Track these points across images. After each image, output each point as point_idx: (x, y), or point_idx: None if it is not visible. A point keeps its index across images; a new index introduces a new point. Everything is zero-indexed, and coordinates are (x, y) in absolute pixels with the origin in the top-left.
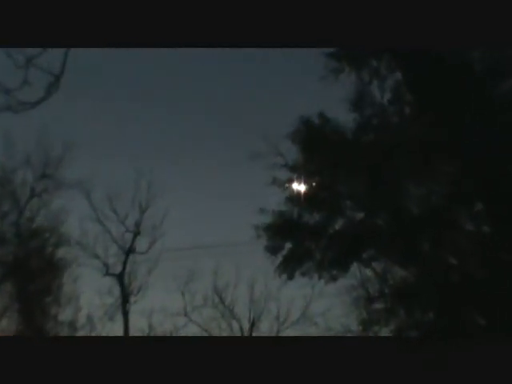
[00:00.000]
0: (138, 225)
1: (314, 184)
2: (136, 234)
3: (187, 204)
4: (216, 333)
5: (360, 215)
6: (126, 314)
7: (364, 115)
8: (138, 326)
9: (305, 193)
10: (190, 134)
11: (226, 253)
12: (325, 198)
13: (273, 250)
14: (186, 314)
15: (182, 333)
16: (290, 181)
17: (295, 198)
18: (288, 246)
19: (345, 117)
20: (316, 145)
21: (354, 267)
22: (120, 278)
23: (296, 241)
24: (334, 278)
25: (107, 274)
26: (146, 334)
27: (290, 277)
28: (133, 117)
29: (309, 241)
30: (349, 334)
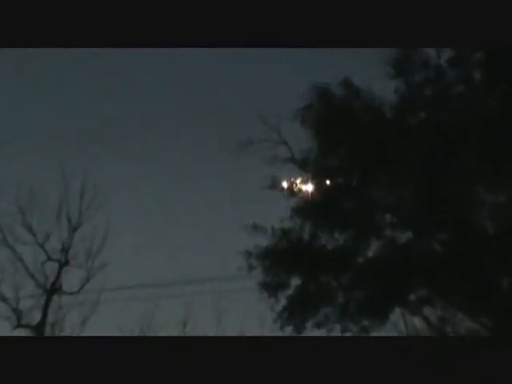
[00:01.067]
0: (65, 250)
1: (334, 187)
2: (63, 264)
3: (141, 219)
4: None
5: (405, 235)
6: None
7: (411, 83)
8: None
9: (321, 201)
10: (147, 117)
11: (200, 293)
12: (351, 209)
13: (272, 288)
14: None
15: None
16: (299, 182)
17: (306, 208)
18: (295, 281)
19: (382, 86)
20: (338, 128)
21: (396, 314)
22: (38, 330)
23: (307, 274)
24: (364, 331)
25: (19, 324)
26: None
27: (298, 329)
28: (62, 100)
29: (327, 274)
30: None
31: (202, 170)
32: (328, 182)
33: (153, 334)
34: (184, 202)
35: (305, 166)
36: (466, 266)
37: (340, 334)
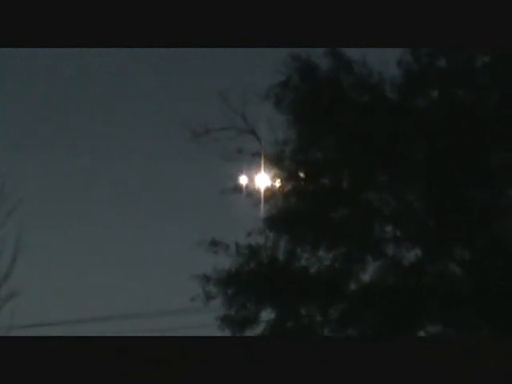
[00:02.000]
0: None
1: (318, 190)
2: None
3: (65, 231)
4: None
5: (412, 253)
6: None
7: (419, 52)
8: None
9: (301, 208)
10: (76, 105)
11: (138, 331)
12: (341, 219)
13: (237, 323)
14: None
15: None
16: (272, 184)
17: (281, 217)
18: (267, 315)
19: (381, 55)
20: (323, 112)
21: None
22: None
23: (283, 305)
24: None
25: None
26: None
27: None
28: None
29: (309, 305)
30: None
31: (145, 167)
32: (310, 183)
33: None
34: (121, 209)
35: (280, 163)
36: (493, 292)
37: None
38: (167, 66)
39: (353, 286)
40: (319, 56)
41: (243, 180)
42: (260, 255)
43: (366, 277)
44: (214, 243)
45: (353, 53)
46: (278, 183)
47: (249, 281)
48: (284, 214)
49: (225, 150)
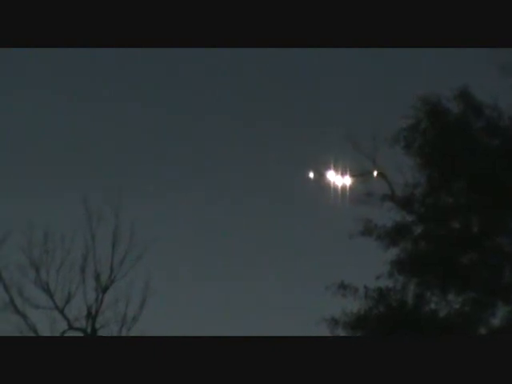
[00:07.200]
0: (92, 316)
1: (448, 234)
2: (88, 334)
3: (190, 274)
4: None
5: None
6: None
7: None
8: None
9: (430, 252)
10: (190, 136)
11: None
12: (470, 264)
13: None
14: None
15: None
16: (401, 227)
17: (410, 261)
18: None
19: None
20: (453, 155)
21: None
22: None
23: None
24: None
25: None
26: None
27: None
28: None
29: None
30: None
31: (271, 211)
32: (440, 226)
33: None
34: (247, 252)
35: (409, 206)
36: None
37: None
38: (298, 109)
39: (482, 331)
40: (449, 99)
41: (373, 223)
42: (389, 298)
43: (496, 321)
44: (343, 286)
45: (483, 95)
46: (407, 226)
47: (377, 324)
48: (413, 257)
49: (355, 193)
